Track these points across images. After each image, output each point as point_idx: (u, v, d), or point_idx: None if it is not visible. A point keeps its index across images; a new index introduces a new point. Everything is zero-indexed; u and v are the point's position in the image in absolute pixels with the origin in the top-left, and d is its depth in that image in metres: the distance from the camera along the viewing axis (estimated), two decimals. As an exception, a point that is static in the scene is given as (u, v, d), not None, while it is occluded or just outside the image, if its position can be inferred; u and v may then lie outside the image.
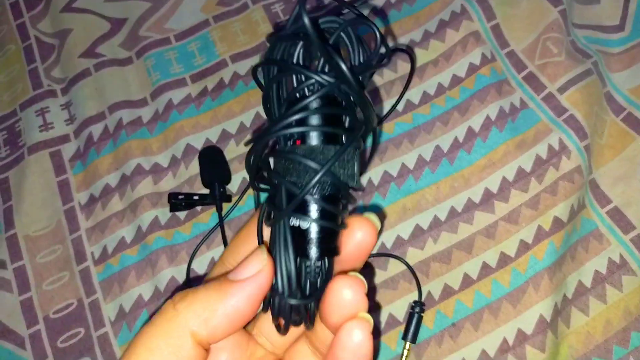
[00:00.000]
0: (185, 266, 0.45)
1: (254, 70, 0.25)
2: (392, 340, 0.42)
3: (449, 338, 0.41)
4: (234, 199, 0.47)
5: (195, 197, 0.46)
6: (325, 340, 0.27)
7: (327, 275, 0.25)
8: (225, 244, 0.45)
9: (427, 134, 0.47)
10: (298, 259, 0.25)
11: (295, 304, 0.24)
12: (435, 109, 0.48)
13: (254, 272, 0.24)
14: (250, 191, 0.47)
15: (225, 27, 0.54)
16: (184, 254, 0.45)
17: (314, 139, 0.24)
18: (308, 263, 0.25)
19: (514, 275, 0.42)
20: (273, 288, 0.24)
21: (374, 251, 0.44)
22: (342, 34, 0.25)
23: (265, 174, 0.26)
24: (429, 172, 0.46)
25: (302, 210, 0.24)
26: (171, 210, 0.46)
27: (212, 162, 0.48)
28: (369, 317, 0.24)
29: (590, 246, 0.43)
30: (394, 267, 0.44)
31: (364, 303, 0.24)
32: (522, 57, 0.49)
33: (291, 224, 0.25)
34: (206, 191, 0.47)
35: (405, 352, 0.41)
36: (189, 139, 0.49)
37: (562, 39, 0.49)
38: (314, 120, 0.24)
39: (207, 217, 0.46)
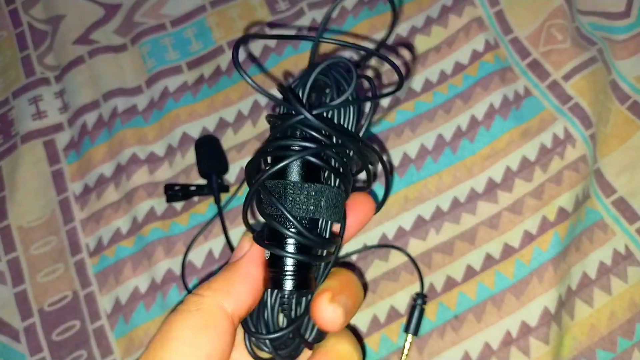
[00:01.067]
0: (181, 257, 0.44)
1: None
2: (393, 332, 0.41)
3: (452, 330, 0.41)
4: (232, 189, 0.46)
5: (192, 188, 0.45)
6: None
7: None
8: (225, 234, 0.44)
9: (429, 122, 0.46)
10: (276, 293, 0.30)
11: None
12: (438, 96, 0.47)
13: (247, 247, 0.30)
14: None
15: (222, 13, 0.53)
16: (181, 245, 0.44)
17: (294, 174, 0.29)
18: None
19: (517, 266, 0.41)
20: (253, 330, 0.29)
21: (375, 242, 0.43)
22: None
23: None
24: (431, 162, 0.45)
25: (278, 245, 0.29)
26: (168, 200, 0.45)
27: (209, 151, 0.47)
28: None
29: (595, 237, 0.42)
30: (396, 259, 0.43)
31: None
32: (526, 44, 0.48)
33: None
34: (203, 181, 0.46)
35: (407, 344, 0.40)
36: (185, 128, 0.48)
37: (567, 25, 0.48)
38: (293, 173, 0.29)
39: (205, 207, 0.46)
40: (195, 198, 0.46)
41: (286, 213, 0.28)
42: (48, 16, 0.54)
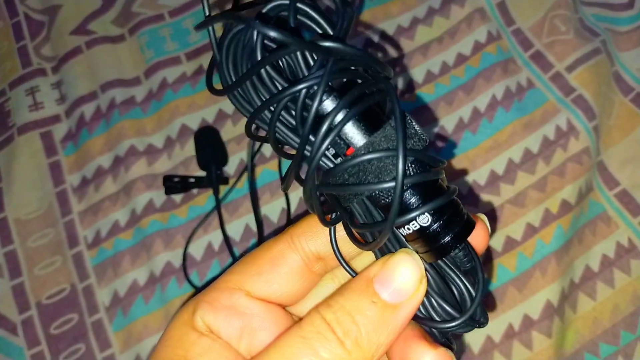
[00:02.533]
0: (181, 250, 0.43)
1: (247, 129, 0.22)
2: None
3: (453, 324, 0.40)
4: (231, 182, 0.45)
5: (191, 180, 0.45)
6: None
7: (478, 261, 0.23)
8: (222, 227, 0.44)
9: (431, 114, 0.46)
10: (440, 264, 0.23)
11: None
12: (440, 88, 0.47)
13: (414, 288, 0.22)
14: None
15: (222, 3, 0.52)
16: (180, 238, 0.44)
17: (359, 136, 0.21)
18: (454, 256, 0.22)
19: (520, 259, 0.41)
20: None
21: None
22: (297, 13, 0.21)
23: (332, 199, 0.22)
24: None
25: (406, 208, 0.21)
26: (166, 193, 0.45)
27: (209, 143, 0.46)
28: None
29: (598, 230, 0.42)
30: (397, 251, 0.42)
31: None
32: (528, 35, 0.48)
33: (404, 233, 0.22)
34: (202, 173, 0.45)
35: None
36: (184, 119, 0.47)
37: (570, 16, 0.48)
38: (344, 116, 0.20)
39: (204, 200, 0.45)
40: (195, 190, 0.45)
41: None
42: (45, 6, 0.54)
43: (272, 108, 0.20)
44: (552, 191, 0.42)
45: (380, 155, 0.20)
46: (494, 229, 0.42)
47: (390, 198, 0.21)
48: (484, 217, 0.24)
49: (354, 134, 0.21)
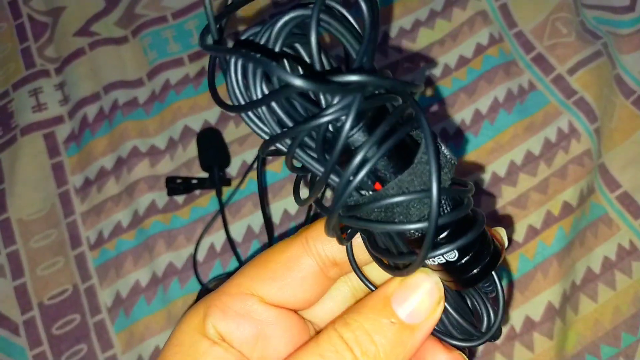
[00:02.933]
0: (183, 251, 0.43)
1: (262, 150, 0.20)
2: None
3: (455, 325, 0.40)
4: (234, 183, 0.46)
5: (194, 181, 0.45)
6: None
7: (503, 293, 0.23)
8: (226, 229, 0.44)
9: (432, 116, 0.46)
10: (471, 297, 0.23)
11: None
12: (442, 90, 0.47)
13: (430, 312, 0.21)
14: (251, 175, 0.46)
15: (224, 5, 0.52)
16: (182, 239, 0.44)
17: (389, 172, 0.19)
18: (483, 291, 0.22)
19: (521, 261, 0.41)
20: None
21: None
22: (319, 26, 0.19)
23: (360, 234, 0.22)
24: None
25: (435, 244, 0.20)
26: (169, 194, 0.45)
27: (211, 144, 0.46)
28: None
29: (600, 232, 0.42)
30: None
31: None
32: (530, 38, 0.48)
33: (429, 263, 0.21)
34: (205, 175, 0.45)
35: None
36: (186, 121, 0.48)
37: (572, 19, 0.48)
38: (376, 151, 0.19)
39: (206, 201, 0.45)
40: (197, 191, 0.45)
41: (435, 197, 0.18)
42: (48, 8, 0.54)
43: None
44: (554, 193, 0.42)
45: (412, 197, 0.19)
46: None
47: (418, 234, 0.20)
48: (503, 232, 0.24)
49: (384, 169, 0.19)
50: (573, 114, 0.44)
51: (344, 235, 0.22)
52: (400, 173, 0.19)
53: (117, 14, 0.53)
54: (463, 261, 0.21)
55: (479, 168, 0.44)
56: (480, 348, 0.40)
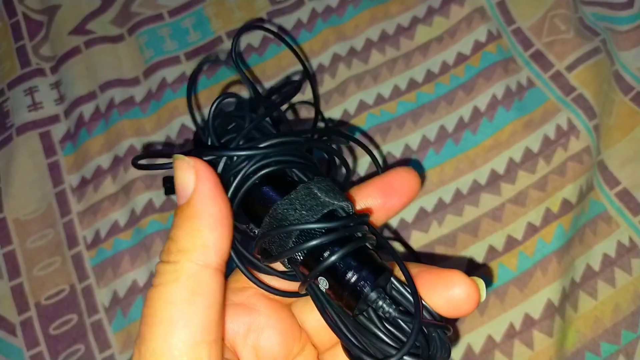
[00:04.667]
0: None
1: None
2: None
3: (454, 324, 0.40)
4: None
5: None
6: None
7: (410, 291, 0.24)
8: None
9: (431, 113, 0.46)
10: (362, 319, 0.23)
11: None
12: (440, 87, 0.46)
13: (192, 181, 0.23)
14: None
15: (221, 3, 0.52)
16: (180, 238, 0.44)
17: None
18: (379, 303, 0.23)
19: (521, 258, 0.41)
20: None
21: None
22: None
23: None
24: (433, 153, 0.45)
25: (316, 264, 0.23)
26: (166, 193, 0.45)
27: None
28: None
29: (599, 229, 0.42)
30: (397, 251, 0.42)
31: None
32: (529, 35, 0.48)
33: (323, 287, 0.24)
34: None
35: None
36: (183, 119, 0.47)
37: (570, 15, 0.48)
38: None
39: (204, 200, 0.45)
40: (194, 190, 0.45)
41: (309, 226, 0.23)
42: (43, 6, 0.53)
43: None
44: (553, 190, 0.42)
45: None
46: (496, 229, 0.42)
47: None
48: (481, 284, 0.24)
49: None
50: (572, 110, 0.44)
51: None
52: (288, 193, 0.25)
53: (113, 12, 0.52)
54: (338, 275, 0.23)
55: (478, 165, 0.44)
56: (478, 344, 0.39)
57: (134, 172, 0.45)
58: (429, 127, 0.45)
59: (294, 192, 0.24)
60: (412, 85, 0.47)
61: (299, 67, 0.48)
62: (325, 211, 0.24)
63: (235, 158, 0.24)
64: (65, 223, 0.45)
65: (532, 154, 0.44)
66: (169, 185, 0.44)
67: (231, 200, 0.24)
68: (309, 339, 0.28)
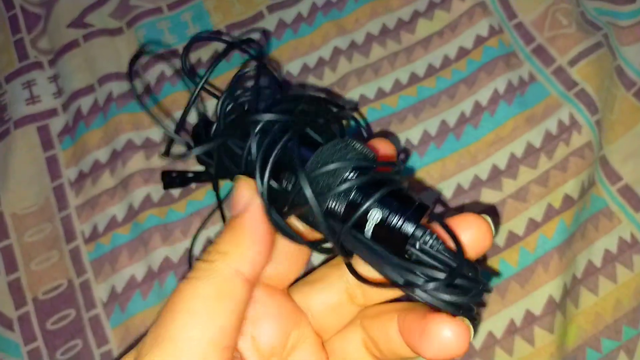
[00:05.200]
0: (179, 245, 0.43)
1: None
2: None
3: (455, 319, 0.40)
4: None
5: (190, 175, 0.44)
6: (388, 342, 0.26)
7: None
8: (224, 223, 0.43)
9: (432, 107, 0.45)
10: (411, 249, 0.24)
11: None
12: (441, 82, 0.46)
13: (247, 196, 0.25)
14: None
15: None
16: (178, 233, 0.43)
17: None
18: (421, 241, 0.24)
19: (522, 254, 0.41)
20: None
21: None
22: None
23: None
24: (434, 148, 0.44)
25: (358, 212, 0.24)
26: (165, 188, 0.44)
27: (207, 137, 0.46)
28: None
29: (600, 224, 0.42)
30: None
31: (464, 347, 0.23)
32: (530, 29, 0.47)
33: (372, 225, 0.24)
34: (201, 168, 0.45)
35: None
36: (182, 113, 0.47)
37: (572, 10, 0.47)
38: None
39: (202, 194, 0.45)
40: (193, 185, 0.45)
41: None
42: (41, -1, 0.53)
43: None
44: (555, 186, 0.42)
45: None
46: (497, 224, 0.42)
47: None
48: (487, 217, 0.26)
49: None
50: (574, 105, 0.44)
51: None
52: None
53: (112, 5, 0.52)
54: (387, 220, 0.24)
55: (479, 160, 0.44)
56: (479, 341, 0.39)
57: (132, 166, 0.45)
58: (430, 122, 0.45)
59: (330, 144, 0.25)
60: (413, 79, 0.47)
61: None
62: (362, 158, 0.25)
63: (270, 119, 0.26)
64: (63, 217, 0.45)
65: (534, 149, 0.43)
66: (168, 180, 0.44)
67: (265, 159, 0.25)
68: (311, 326, 0.28)
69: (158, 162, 0.46)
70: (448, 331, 0.22)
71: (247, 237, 0.25)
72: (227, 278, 0.24)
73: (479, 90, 0.45)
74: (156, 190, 0.45)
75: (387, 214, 0.24)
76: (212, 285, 0.23)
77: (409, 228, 0.24)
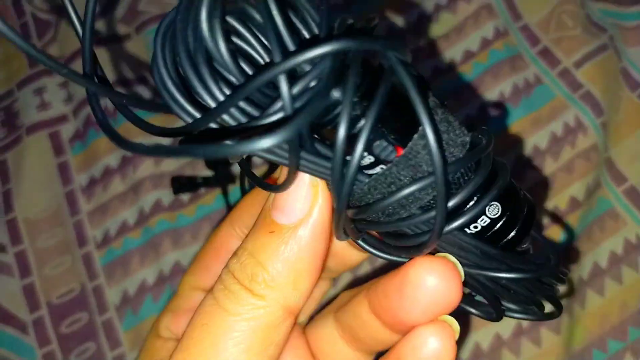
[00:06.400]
0: (189, 249, 0.44)
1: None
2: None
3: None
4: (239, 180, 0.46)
5: (199, 181, 0.45)
6: (364, 328, 0.22)
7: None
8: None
9: (438, 111, 0.46)
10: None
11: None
12: (447, 85, 0.46)
13: (309, 209, 0.19)
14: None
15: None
16: (189, 237, 0.44)
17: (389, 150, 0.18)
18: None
19: (528, 256, 0.41)
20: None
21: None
22: None
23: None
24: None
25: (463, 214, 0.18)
26: (175, 193, 0.45)
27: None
28: (453, 321, 0.19)
29: (606, 226, 0.42)
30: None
31: (455, 292, 0.19)
32: (536, 31, 0.48)
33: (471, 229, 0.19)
34: (210, 172, 0.45)
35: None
36: (191, 118, 0.47)
37: (577, 12, 0.48)
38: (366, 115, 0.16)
39: (212, 199, 0.45)
40: (202, 189, 0.46)
41: None
42: (52, 6, 0.54)
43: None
44: (560, 188, 0.42)
45: (419, 186, 0.17)
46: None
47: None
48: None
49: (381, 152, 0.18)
50: (579, 107, 0.44)
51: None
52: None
53: (121, 11, 0.53)
54: (499, 223, 0.19)
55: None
56: (486, 342, 0.40)
57: (143, 171, 0.46)
58: (436, 125, 0.45)
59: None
60: (419, 83, 0.47)
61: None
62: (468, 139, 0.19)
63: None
64: (75, 223, 0.46)
65: (540, 152, 0.43)
66: (178, 187, 0.45)
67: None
68: None
69: (168, 167, 0.46)
70: (431, 277, 0.18)
71: (307, 265, 0.19)
72: (277, 321, 0.19)
73: (485, 93, 0.46)
74: (166, 195, 0.45)
75: (499, 219, 0.19)
76: (258, 329, 0.19)
77: (520, 235, 0.20)
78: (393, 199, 0.17)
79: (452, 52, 0.48)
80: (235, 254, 0.20)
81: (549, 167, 0.43)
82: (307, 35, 0.17)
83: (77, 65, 0.50)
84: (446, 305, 0.18)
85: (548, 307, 0.24)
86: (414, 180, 0.17)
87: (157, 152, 0.16)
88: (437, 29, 0.49)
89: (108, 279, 0.44)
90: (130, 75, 0.50)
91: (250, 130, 0.15)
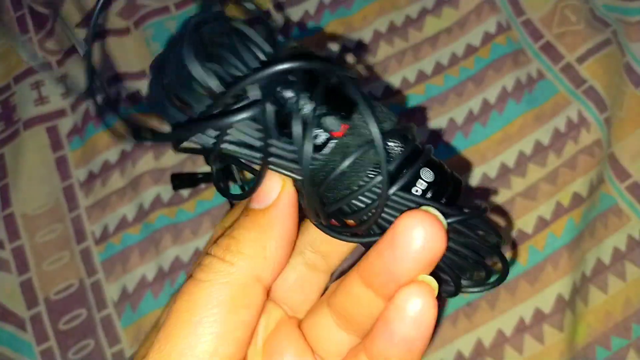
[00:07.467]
0: (190, 245, 0.43)
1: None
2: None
3: (464, 317, 0.40)
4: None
5: (199, 176, 0.44)
6: (358, 305, 0.23)
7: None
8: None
9: (440, 106, 0.45)
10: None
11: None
12: (449, 80, 0.46)
13: (276, 194, 0.22)
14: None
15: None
16: (189, 233, 0.44)
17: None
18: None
19: (531, 252, 0.41)
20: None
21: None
22: None
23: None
24: (443, 147, 0.44)
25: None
26: (174, 189, 0.45)
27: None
28: (431, 279, 0.20)
29: (609, 222, 0.42)
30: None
31: (439, 240, 0.19)
32: (539, 26, 0.47)
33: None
34: (209, 168, 0.45)
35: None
36: (191, 113, 0.47)
37: (581, 6, 0.47)
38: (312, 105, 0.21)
39: (212, 194, 0.45)
40: (202, 185, 0.45)
41: None
42: (49, -1, 0.53)
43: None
44: (564, 184, 0.42)
45: (361, 151, 0.21)
46: (506, 222, 0.42)
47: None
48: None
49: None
50: (582, 103, 0.44)
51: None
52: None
53: (119, 5, 0.52)
54: (436, 185, 0.23)
55: (488, 159, 0.44)
56: (489, 339, 0.39)
57: (142, 167, 0.45)
58: (438, 120, 0.45)
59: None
60: (421, 77, 0.47)
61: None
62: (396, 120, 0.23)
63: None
64: (73, 218, 0.45)
65: (543, 147, 0.43)
66: (177, 183, 0.44)
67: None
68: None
69: (168, 162, 0.46)
70: (419, 225, 0.19)
71: (274, 238, 0.21)
72: (248, 285, 0.21)
73: (487, 88, 0.45)
74: (166, 190, 0.45)
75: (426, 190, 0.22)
76: (230, 292, 0.20)
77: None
78: (345, 164, 0.21)
79: (454, 47, 0.47)
80: (216, 242, 0.23)
81: (551, 163, 0.43)
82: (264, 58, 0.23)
83: (75, 60, 0.50)
84: (434, 253, 0.19)
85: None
86: (358, 147, 0.21)
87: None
88: (439, 24, 0.48)
89: (107, 275, 0.43)
90: (129, 70, 0.49)
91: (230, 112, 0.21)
